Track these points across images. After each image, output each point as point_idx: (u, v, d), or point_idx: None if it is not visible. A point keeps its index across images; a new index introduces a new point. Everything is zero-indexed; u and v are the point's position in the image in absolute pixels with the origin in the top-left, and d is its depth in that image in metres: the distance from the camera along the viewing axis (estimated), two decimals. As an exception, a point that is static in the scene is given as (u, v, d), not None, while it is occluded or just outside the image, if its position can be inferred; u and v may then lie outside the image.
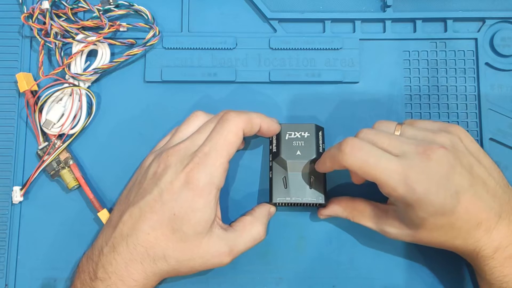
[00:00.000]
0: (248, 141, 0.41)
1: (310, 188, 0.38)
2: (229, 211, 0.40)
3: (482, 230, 0.33)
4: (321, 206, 0.38)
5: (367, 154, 0.33)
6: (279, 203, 0.38)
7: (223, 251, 0.35)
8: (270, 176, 0.38)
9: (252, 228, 0.37)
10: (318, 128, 0.40)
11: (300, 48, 0.43)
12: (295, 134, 0.39)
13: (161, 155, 0.35)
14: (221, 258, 0.35)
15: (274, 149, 0.39)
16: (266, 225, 0.38)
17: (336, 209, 0.38)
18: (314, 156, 0.38)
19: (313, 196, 0.37)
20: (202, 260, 0.35)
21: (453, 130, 0.35)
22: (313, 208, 0.40)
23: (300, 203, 0.38)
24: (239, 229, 0.36)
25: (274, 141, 0.39)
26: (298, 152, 0.38)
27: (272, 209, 0.39)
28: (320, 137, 0.39)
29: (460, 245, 0.34)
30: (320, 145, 0.39)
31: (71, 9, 0.42)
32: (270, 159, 0.39)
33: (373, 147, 0.34)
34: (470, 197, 0.33)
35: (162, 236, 0.34)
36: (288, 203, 0.38)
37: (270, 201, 0.38)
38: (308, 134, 0.39)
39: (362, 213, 0.37)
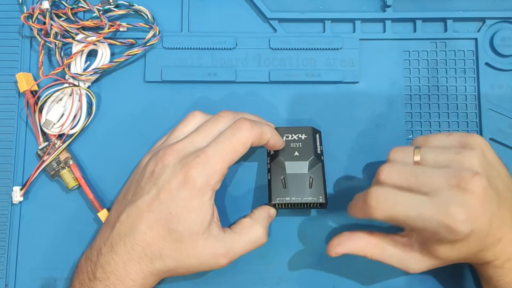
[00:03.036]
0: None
1: (310, 188, 0.37)
2: (229, 213, 0.40)
3: (501, 245, 0.33)
4: (321, 206, 0.38)
5: (394, 204, 0.32)
6: (278, 204, 0.38)
7: (219, 252, 0.35)
8: (269, 177, 0.38)
9: (251, 230, 0.36)
10: (315, 131, 0.40)
11: (300, 48, 0.43)
12: (292, 136, 0.39)
13: (158, 154, 0.35)
14: (218, 260, 0.35)
15: (272, 151, 0.39)
16: (266, 228, 0.37)
17: (353, 247, 0.35)
18: (312, 157, 0.38)
19: (312, 195, 0.37)
20: (199, 261, 0.34)
21: (474, 144, 0.33)
22: (313, 209, 0.40)
23: (300, 203, 0.37)
24: (237, 231, 0.36)
25: None
26: (296, 153, 0.38)
27: (272, 211, 0.39)
28: (318, 139, 0.39)
29: (476, 259, 0.34)
30: (318, 146, 0.39)
31: (71, 9, 0.42)
32: (268, 161, 0.39)
33: (399, 193, 0.32)
34: (498, 220, 0.32)
35: (158, 236, 0.34)
36: (287, 204, 0.38)
37: (269, 202, 0.38)
38: (306, 136, 0.39)
39: (383, 251, 0.35)
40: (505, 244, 0.33)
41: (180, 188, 0.33)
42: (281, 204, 0.38)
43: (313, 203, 0.37)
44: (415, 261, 0.34)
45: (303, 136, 0.39)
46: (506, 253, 0.33)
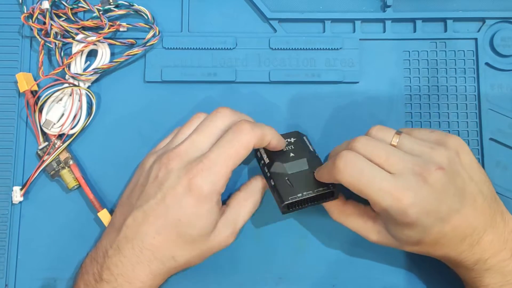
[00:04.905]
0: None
1: (316, 181, 0.37)
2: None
3: (466, 245, 0.33)
4: (332, 195, 0.37)
5: (361, 172, 0.33)
6: (291, 205, 0.37)
7: (228, 234, 0.36)
8: (272, 183, 0.38)
9: (247, 203, 0.38)
10: (302, 134, 0.40)
11: (300, 48, 0.43)
12: None
13: (162, 159, 0.35)
14: (227, 241, 0.36)
15: (267, 160, 0.38)
16: (261, 197, 0.38)
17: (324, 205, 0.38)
18: (308, 153, 0.38)
19: (322, 186, 0.37)
20: (211, 251, 0.36)
21: (451, 144, 0.34)
22: (313, 208, 0.40)
23: (312, 197, 0.37)
24: (235, 207, 0.37)
25: (264, 155, 0.39)
26: (292, 154, 0.38)
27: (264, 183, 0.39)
28: (306, 140, 0.40)
29: (442, 256, 0.35)
30: (309, 146, 0.39)
31: (71, 9, 0.42)
32: (266, 171, 0.38)
33: (368, 163, 0.33)
34: (459, 218, 0.33)
35: (168, 240, 0.34)
36: (299, 202, 0.37)
37: (281, 204, 0.37)
38: (295, 139, 0.39)
39: (347, 218, 0.37)
40: (470, 245, 0.33)
41: (185, 195, 0.33)
42: (294, 204, 0.37)
43: (325, 194, 0.37)
44: (374, 233, 0.36)
45: (292, 140, 0.39)
46: (474, 254, 0.34)
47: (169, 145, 0.37)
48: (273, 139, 0.36)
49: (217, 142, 0.35)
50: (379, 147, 0.34)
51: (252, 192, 0.38)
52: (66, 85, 0.41)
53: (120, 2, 0.43)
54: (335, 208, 0.38)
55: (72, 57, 0.41)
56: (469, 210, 0.33)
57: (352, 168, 0.33)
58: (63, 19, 0.42)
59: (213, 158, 0.34)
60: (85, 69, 0.42)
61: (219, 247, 0.36)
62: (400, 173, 0.33)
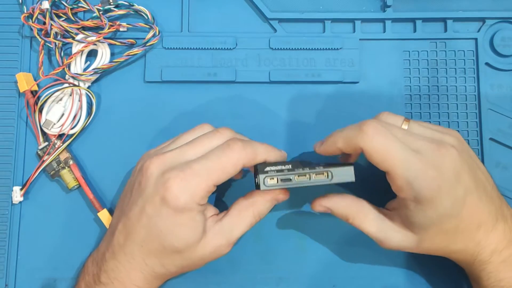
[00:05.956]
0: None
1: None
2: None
3: (482, 233, 0.33)
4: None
5: (390, 141, 0.32)
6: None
7: (221, 244, 0.34)
8: (320, 167, 0.34)
9: (247, 213, 0.35)
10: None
11: (300, 48, 0.43)
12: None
13: (144, 164, 0.34)
14: (221, 251, 0.35)
15: (289, 166, 0.35)
16: (266, 207, 0.35)
17: (338, 203, 0.36)
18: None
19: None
20: (202, 260, 0.35)
21: (454, 135, 0.35)
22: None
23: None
24: (235, 215, 0.35)
25: (280, 166, 0.35)
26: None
27: (281, 196, 0.36)
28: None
29: (460, 250, 0.34)
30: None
31: (71, 9, 0.42)
32: (300, 170, 0.34)
33: (394, 135, 0.32)
34: (474, 200, 0.33)
35: (154, 249, 0.34)
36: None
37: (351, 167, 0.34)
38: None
39: (365, 216, 0.35)
40: (486, 233, 0.33)
41: (162, 205, 0.32)
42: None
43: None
44: (392, 232, 0.35)
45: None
46: (490, 244, 0.33)
47: (161, 150, 0.36)
48: (269, 156, 0.35)
49: (205, 154, 0.33)
50: (394, 127, 0.34)
51: (256, 201, 0.35)
52: (66, 85, 0.41)
53: (120, 2, 0.43)
54: (351, 204, 0.36)
55: (72, 57, 0.41)
56: (482, 194, 0.33)
57: (381, 135, 0.32)
58: (63, 19, 0.42)
59: (196, 168, 0.32)
60: (85, 69, 0.42)
61: (212, 257, 0.35)
62: (418, 150, 0.32)
